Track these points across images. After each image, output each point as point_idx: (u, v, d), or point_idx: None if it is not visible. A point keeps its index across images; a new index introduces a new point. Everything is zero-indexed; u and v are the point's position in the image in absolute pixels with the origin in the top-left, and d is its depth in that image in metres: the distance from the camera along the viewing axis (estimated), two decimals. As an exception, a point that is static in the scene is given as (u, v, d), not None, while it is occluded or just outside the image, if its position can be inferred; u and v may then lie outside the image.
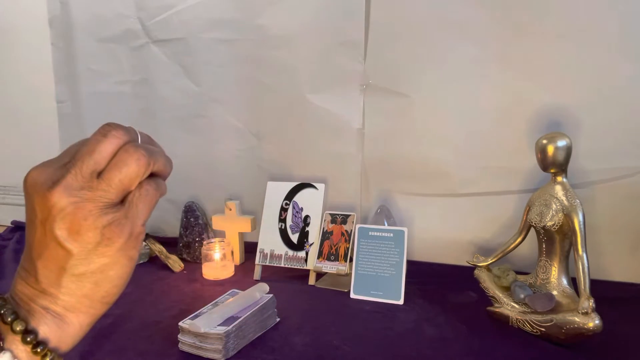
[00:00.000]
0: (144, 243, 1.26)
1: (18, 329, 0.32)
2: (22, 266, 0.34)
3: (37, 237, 0.32)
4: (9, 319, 0.32)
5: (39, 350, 0.32)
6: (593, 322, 0.71)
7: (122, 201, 0.34)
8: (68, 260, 0.32)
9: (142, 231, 0.35)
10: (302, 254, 1.11)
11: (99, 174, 0.33)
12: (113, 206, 0.33)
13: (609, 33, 0.93)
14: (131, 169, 0.33)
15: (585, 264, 0.76)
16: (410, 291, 0.97)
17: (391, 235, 1.01)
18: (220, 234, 1.26)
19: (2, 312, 0.32)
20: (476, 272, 0.93)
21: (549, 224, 0.81)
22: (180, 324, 0.79)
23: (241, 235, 1.24)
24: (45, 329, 0.33)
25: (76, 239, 0.32)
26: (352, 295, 1.00)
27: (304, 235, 1.12)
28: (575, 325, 0.72)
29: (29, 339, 0.32)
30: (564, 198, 0.81)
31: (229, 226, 1.23)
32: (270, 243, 1.14)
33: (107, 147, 0.33)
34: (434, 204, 1.14)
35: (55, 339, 0.34)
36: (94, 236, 0.32)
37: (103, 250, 0.32)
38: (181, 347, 0.79)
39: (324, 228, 1.11)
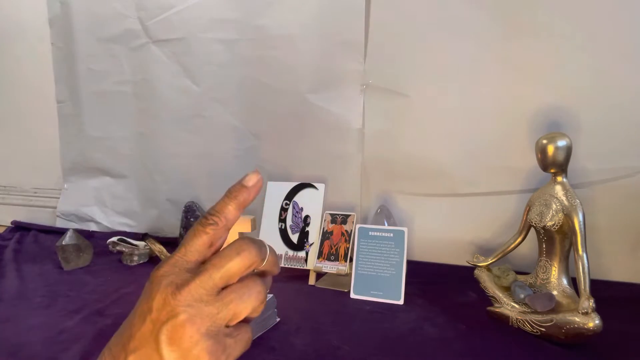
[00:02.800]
0: (143, 243, 1.26)
1: None
2: (110, 352, 0.34)
3: (142, 332, 0.32)
4: None
5: None
6: (593, 322, 0.71)
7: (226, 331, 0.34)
8: None
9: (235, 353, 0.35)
10: (302, 254, 1.11)
11: (220, 291, 0.33)
12: (217, 331, 0.32)
13: (609, 33, 0.93)
14: (250, 300, 0.34)
15: (585, 264, 0.76)
16: (410, 291, 0.97)
17: (391, 235, 1.01)
18: (220, 234, 1.26)
19: None
20: (476, 272, 0.93)
21: (549, 224, 0.81)
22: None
23: (241, 235, 1.24)
24: None
25: (174, 350, 0.31)
26: (352, 295, 1.00)
27: (304, 235, 1.12)
28: (575, 325, 0.72)
29: None
30: (564, 198, 0.81)
31: (229, 226, 1.23)
32: (270, 243, 1.13)
33: (237, 268, 0.33)
34: (434, 204, 1.14)
35: None
36: (190, 354, 0.31)
37: None
38: (181, 347, 0.78)
39: (324, 228, 1.11)
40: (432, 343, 0.80)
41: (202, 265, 0.33)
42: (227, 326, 0.34)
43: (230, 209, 0.36)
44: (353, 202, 1.21)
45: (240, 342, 0.34)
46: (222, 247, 0.34)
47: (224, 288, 0.33)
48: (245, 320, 0.36)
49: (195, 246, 0.34)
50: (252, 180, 0.37)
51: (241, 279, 0.34)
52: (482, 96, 1.05)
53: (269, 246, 0.36)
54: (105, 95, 1.46)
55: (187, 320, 0.31)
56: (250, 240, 0.35)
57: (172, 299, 0.31)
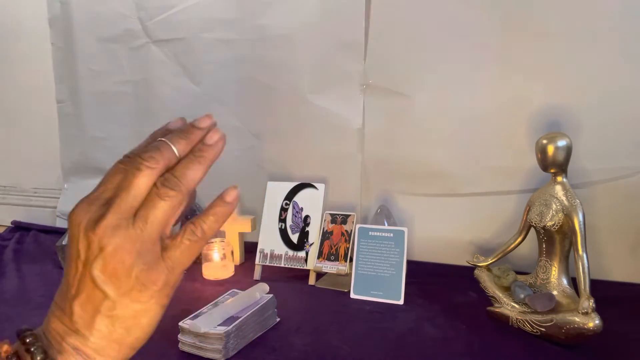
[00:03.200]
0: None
1: None
2: (56, 303, 0.34)
3: (77, 277, 0.32)
4: (39, 358, 0.31)
5: None
6: (593, 322, 0.71)
7: (163, 245, 0.33)
8: (103, 302, 0.32)
9: (178, 280, 0.34)
10: (302, 254, 1.11)
11: (137, 212, 0.32)
12: (150, 249, 0.32)
13: (609, 33, 0.93)
14: (166, 207, 0.32)
15: (585, 264, 0.76)
16: (410, 291, 0.97)
17: (391, 235, 1.01)
18: (220, 234, 1.26)
19: (32, 349, 0.32)
20: (476, 272, 0.93)
21: (549, 224, 0.81)
22: (180, 324, 0.79)
23: (241, 235, 1.24)
24: None
25: (112, 282, 0.31)
26: (352, 295, 1.00)
27: (304, 235, 1.12)
28: (575, 325, 0.72)
29: None
30: (564, 198, 0.81)
31: (229, 226, 1.23)
32: (270, 243, 1.14)
33: (143, 181, 0.32)
34: (434, 204, 1.14)
35: None
36: (129, 280, 0.31)
37: (136, 295, 0.32)
38: (181, 347, 0.79)
39: (324, 228, 1.11)
40: (432, 343, 0.80)
41: (112, 194, 0.32)
42: (164, 239, 0.33)
43: (209, 222, 0.35)
44: (353, 202, 1.21)
45: (180, 250, 0.33)
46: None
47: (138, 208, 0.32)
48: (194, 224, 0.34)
49: (108, 180, 0.33)
50: (231, 196, 0.36)
51: (149, 193, 0.32)
52: (482, 96, 1.05)
53: (172, 138, 0.34)
54: (105, 95, 1.46)
55: (115, 250, 0.31)
56: (144, 150, 0.33)
57: (92, 235, 0.31)
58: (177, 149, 0.34)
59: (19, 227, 1.56)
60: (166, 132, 0.36)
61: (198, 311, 0.82)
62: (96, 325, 0.32)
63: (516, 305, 0.84)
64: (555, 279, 0.83)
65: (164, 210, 0.32)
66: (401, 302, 0.95)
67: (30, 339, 0.32)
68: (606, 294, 0.81)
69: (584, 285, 0.74)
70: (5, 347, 0.33)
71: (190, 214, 1.28)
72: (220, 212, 0.35)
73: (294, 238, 1.13)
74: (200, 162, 0.35)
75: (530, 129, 1.01)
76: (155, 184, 0.33)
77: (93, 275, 0.31)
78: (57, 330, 0.33)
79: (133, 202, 0.32)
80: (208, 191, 1.54)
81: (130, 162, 0.33)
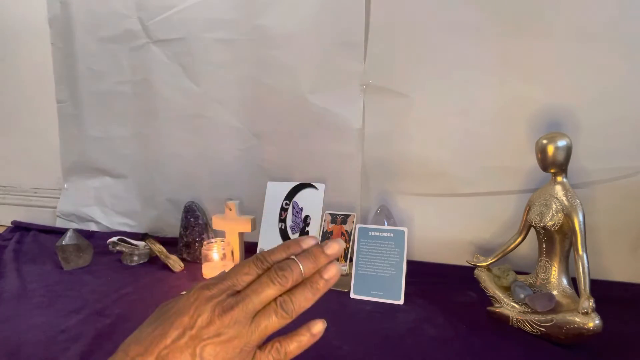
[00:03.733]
0: (143, 243, 1.26)
1: None
2: (127, 355, 0.35)
3: (178, 343, 0.35)
4: None
5: None
6: (593, 322, 0.71)
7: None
8: None
9: None
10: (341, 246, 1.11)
11: (255, 314, 0.37)
12: (249, 351, 0.37)
13: (609, 33, 0.93)
14: (276, 322, 0.38)
15: (585, 264, 0.76)
16: (410, 291, 0.97)
17: (391, 235, 1.01)
18: (221, 234, 1.26)
19: None
20: (476, 272, 0.93)
21: (549, 224, 0.81)
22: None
23: (241, 235, 1.24)
24: None
25: None
26: (352, 295, 1.00)
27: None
28: (575, 325, 0.73)
29: None
30: (564, 198, 0.81)
31: (229, 226, 1.23)
32: (270, 243, 1.14)
33: (270, 294, 0.38)
34: (434, 204, 1.14)
35: None
36: None
37: None
38: (181, 347, 0.78)
39: (324, 228, 1.11)
40: (432, 343, 0.80)
41: (242, 292, 0.38)
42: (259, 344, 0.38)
43: (293, 347, 0.42)
44: (353, 202, 1.21)
45: (270, 354, 0.39)
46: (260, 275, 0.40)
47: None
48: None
49: (247, 280, 0.39)
50: (317, 329, 0.44)
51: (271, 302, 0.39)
52: (482, 96, 1.05)
53: (301, 260, 0.40)
54: (105, 95, 1.46)
55: (227, 341, 0.35)
56: (279, 267, 0.39)
57: (217, 320, 0.35)
58: (304, 271, 0.40)
59: (19, 227, 1.56)
60: (298, 248, 0.42)
61: (198, 311, 0.82)
62: None
63: (516, 305, 0.84)
64: (555, 279, 0.83)
65: (274, 325, 0.38)
66: (401, 302, 0.95)
67: None
68: (606, 294, 0.81)
69: (584, 285, 0.74)
70: None
71: (190, 214, 1.28)
72: (304, 342, 0.43)
73: (294, 238, 1.13)
74: (314, 293, 0.42)
75: (530, 129, 1.01)
76: (275, 300, 0.39)
77: (197, 351, 0.34)
78: None
79: (257, 307, 0.37)
80: (208, 192, 1.55)
81: (266, 272, 0.39)
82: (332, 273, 0.42)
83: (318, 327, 0.43)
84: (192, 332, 0.35)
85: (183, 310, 0.36)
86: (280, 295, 0.39)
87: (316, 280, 0.41)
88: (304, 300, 0.40)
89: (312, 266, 0.41)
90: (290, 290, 0.40)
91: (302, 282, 0.40)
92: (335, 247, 0.42)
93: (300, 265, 0.40)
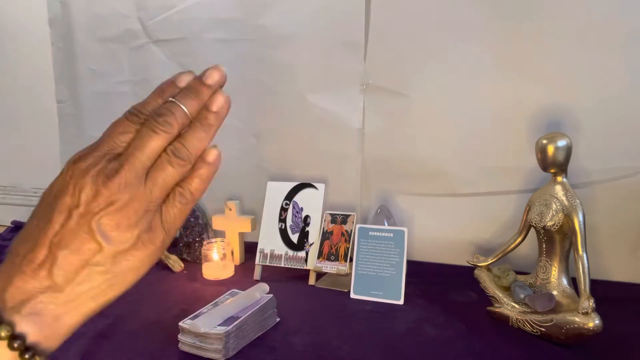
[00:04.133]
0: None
1: (3, 334, 0.29)
2: (25, 257, 0.31)
3: (69, 227, 0.31)
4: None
5: (27, 356, 0.30)
6: (593, 322, 0.71)
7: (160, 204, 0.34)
8: (95, 255, 0.31)
9: (170, 240, 0.35)
10: (302, 254, 1.11)
11: (147, 170, 0.33)
12: (154, 210, 0.33)
13: (609, 33, 0.93)
14: (174, 172, 0.33)
15: (585, 264, 0.76)
16: (410, 291, 0.97)
17: (391, 235, 1.01)
18: (220, 234, 1.26)
19: None
20: (476, 272, 0.93)
21: (549, 224, 0.81)
22: (180, 324, 0.79)
23: (241, 235, 1.24)
24: (36, 330, 0.31)
25: (114, 236, 0.31)
26: (352, 295, 1.00)
27: (304, 235, 1.12)
28: (575, 325, 0.72)
29: (16, 345, 0.30)
30: (564, 198, 0.81)
31: (229, 226, 1.23)
32: (270, 243, 1.14)
33: (158, 144, 0.33)
34: (434, 204, 1.14)
35: (44, 339, 0.31)
36: (131, 237, 0.31)
37: (134, 253, 0.32)
38: (181, 347, 0.79)
39: (324, 228, 1.11)
40: (432, 343, 0.80)
41: (124, 152, 0.32)
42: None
43: (195, 184, 0.35)
44: (353, 202, 1.21)
45: (176, 206, 0.34)
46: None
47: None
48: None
49: (126, 139, 0.33)
50: (211, 156, 0.36)
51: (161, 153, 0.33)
52: (482, 96, 1.05)
53: (181, 100, 0.35)
54: (105, 95, 1.46)
55: (124, 207, 0.31)
56: (157, 112, 0.34)
57: (103, 188, 0.30)
58: (188, 111, 0.35)
59: (19, 227, 1.56)
60: (174, 88, 0.37)
61: (198, 311, 0.83)
62: (78, 279, 0.31)
63: (516, 305, 0.84)
64: (555, 279, 0.83)
65: (173, 176, 0.33)
66: (401, 302, 0.95)
67: None
68: (606, 294, 0.81)
69: (584, 285, 0.74)
70: None
71: (190, 214, 1.28)
72: (204, 174, 0.36)
73: (294, 238, 1.13)
74: (207, 130, 0.35)
75: (530, 129, 1.01)
76: (166, 150, 0.33)
77: (92, 227, 0.30)
78: (22, 288, 0.30)
79: (146, 163, 0.32)
80: (208, 192, 1.53)
81: (145, 123, 0.33)
82: (220, 103, 0.37)
83: (212, 153, 0.36)
84: (79, 210, 0.30)
85: (62, 191, 0.31)
86: (170, 144, 0.34)
87: (205, 116, 0.35)
88: (198, 140, 0.34)
89: (195, 102, 0.35)
90: (179, 136, 0.34)
91: (191, 123, 0.35)
92: (214, 74, 0.38)
93: (181, 105, 0.35)
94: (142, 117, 0.34)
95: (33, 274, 0.31)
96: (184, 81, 0.38)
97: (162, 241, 0.33)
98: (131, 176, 0.31)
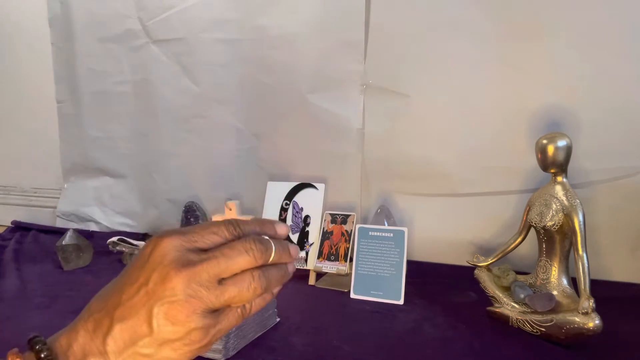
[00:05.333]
0: (143, 243, 1.26)
1: None
2: (92, 317, 0.33)
3: (133, 302, 0.32)
4: None
5: None
6: (593, 322, 0.71)
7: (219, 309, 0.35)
8: (144, 338, 0.32)
9: (215, 342, 0.37)
10: (302, 254, 1.11)
11: (221, 280, 0.34)
12: (211, 312, 0.34)
13: (609, 33, 0.93)
14: (247, 294, 0.35)
15: (585, 264, 0.76)
16: (410, 291, 0.97)
17: (391, 235, 1.01)
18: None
19: None
20: (476, 272, 0.93)
21: (549, 224, 0.81)
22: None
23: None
24: None
25: (167, 326, 0.32)
26: (352, 295, 1.00)
27: (304, 235, 1.12)
28: (575, 325, 0.72)
29: None
30: (564, 198, 0.81)
31: (229, 226, 1.23)
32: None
33: (243, 264, 0.34)
34: (434, 204, 1.14)
35: None
36: (182, 331, 0.32)
37: (178, 346, 0.33)
38: (181, 347, 0.78)
39: (324, 228, 1.11)
40: (432, 343, 0.80)
41: (209, 252, 0.34)
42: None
43: (256, 304, 0.38)
44: (353, 202, 1.21)
45: (232, 319, 0.36)
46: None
47: (224, 278, 0.34)
48: None
49: (214, 240, 0.35)
50: (294, 253, 0.39)
51: (243, 272, 0.35)
52: (482, 96, 1.05)
53: (275, 246, 0.37)
54: (105, 95, 1.46)
55: (185, 302, 0.32)
56: (259, 240, 0.36)
57: (174, 276, 0.31)
58: (273, 257, 0.37)
59: (19, 227, 1.56)
60: (272, 230, 0.39)
61: (198, 311, 0.82)
62: (125, 355, 0.32)
63: (516, 305, 0.84)
64: (555, 279, 0.83)
65: (244, 296, 0.35)
66: (401, 302, 0.95)
67: (45, 353, 0.32)
68: (606, 294, 0.80)
69: (584, 285, 0.74)
70: None
71: (190, 213, 1.28)
72: (267, 298, 0.38)
73: (294, 238, 1.13)
74: (284, 277, 0.39)
75: (530, 129, 1.01)
76: (252, 272, 0.35)
77: (153, 311, 0.31)
78: (82, 345, 0.33)
79: (224, 272, 0.34)
80: (208, 192, 1.55)
81: (242, 239, 0.35)
82: (293, 269, 0.40)
83: (269, 296, 0.39)
84: (147, 289, 0.32)
85: (139, 264, 0.33)
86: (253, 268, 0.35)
87: (286, 264, 0.38)
88: (276, 280, 0.37)
89: (280, 255, 0.38)
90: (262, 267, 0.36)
91: (273, 264, 0.37)
92: (295, 252, 0.40)
93: (273, 251, 0.37)
94: (237, 232, 0.36)
95: (93, 336, 0.33)
96: (281, 232, 0.40)
97: (209, 342, 0.34)
98: (204, 276, 0.32)
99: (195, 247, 0.34)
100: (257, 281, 0.35)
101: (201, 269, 0.32)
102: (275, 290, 0.38)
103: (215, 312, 0.34)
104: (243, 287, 0.34)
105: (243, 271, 0.35)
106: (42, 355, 0.32)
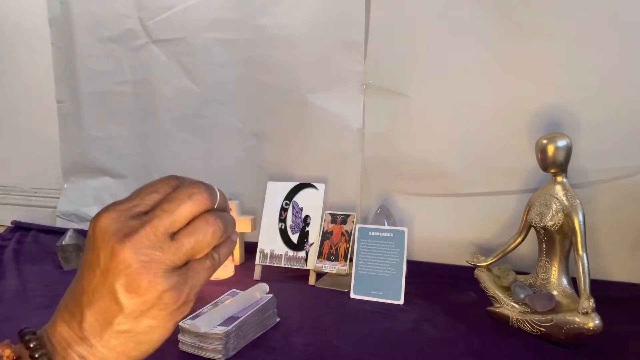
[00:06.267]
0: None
1: None
2: (66, 306, 0.33)
3: (94, 285, 0.31)
4: None
5: None
6: (593, 322, 0.71)
7: (184, 264, 0.33)
8: (117, 316, 0.31)
9: (193, 299, 0.34)
10: (302, 254, 1.11)
11: (172, 235, 0.32)
12: (175, 270, 0.32)
13: (608, 33, 0.93)
14: (206, 240, 0.33)
15: (585, 264, 0.76)
16: (410, 291, 0.97)
17: (391, 235, 1.01)
18: (220, 234, 1.26)
19: (37, 355, 0.31)
20: (476, 272, 0.93)
21: (549, 224, 0.81)
22: (180, 324, 0.79)
23: (241, 235, 1.24)
24: None
25: (133, 298, 0.31)
26: (352, 295, 1.00)
27: (304, 235, 1.12)
28: (575, 325, 0.72)
29: None
30: (564, 198, 0.81)
31: (229, 226, 1.23)
32: (270, 243, 1.14)
33: (189, 211, 0.32)
34: (433, 204, 1.14)
35: None
36: (152, 298, 0.31)
37: (155, 313, 0.32)
38: (181, 347, 0.79)
39: (324, 228, 1.11)
40: (432, 343, 0.80)
41: (149, 212, 0.32)
42: (185, 263, 0.33)
43: (223, 252, 0.36)
44: (353, 202, 1.21)
45: (202, 271, 0.34)
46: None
47: (176, 232, 0.32)
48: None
49: (144, 193, 0.33)
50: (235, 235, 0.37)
51: (194, 220, 0.33)
52: (482, 96, 1.05)
53: (218, 189, 0.35)
54: (105, 95, 1.46)
55: (142, 268, 0.30)
56: (201, 184, 0.34)
57: (120, 249, 0.30)
58: (219, 201, 0.35)
59: (19, 227, 1.56)
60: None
61: (198, 311, 0.82)
62: (105, 337, 0.32)
63: (516, 305, 0.84)
64: (555, 279, 0.83)
65: (205, 243, 0.33)
66: (401, 302, 0.95)
67: (35, 343, 0.32)
68: (606, 294, 0.81)
69: (584, 285, 0.74)
70: (8, 352, 0.32)
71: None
72: (234, 242, 0.37)
73: (294, 238, 1.13)
74: (234, 227, 0.36)
75: (530, 129, 1.01)
76: (204, 216, 0.33)
77: (114, 288, 0.30)
78: (63, 335, 0.32)
79: (171, 227, 0.32)
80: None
81: (182, 186, 0.33)
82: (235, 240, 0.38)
83: (235, 234, 0.37)
84: (101, 269, 0.31)
85: (87, 247, 0.32)
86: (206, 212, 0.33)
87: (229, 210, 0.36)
88: (231, 223, 0.35)
89: (223, 199, 0.36)
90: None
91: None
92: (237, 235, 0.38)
93: (216, 189, 0.35)
94: (177, 183, 0.34)
95: (70, 325, 0.32)
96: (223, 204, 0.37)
97: (186, 301, 0.33)
98: (152, 237, 0.31)
99: (137, 212, 0.32)
100: (213, 223, 0.33)
101: (146, 231, 0.31)
102: (235, 236, 0.36)
103: (181, 268, 0.32)
104: (199, 235, 0.32)
105: (195, 219, 0.33)
106: (31, 345, 0.31)
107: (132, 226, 0.31)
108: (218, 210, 0.35)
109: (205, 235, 0.33)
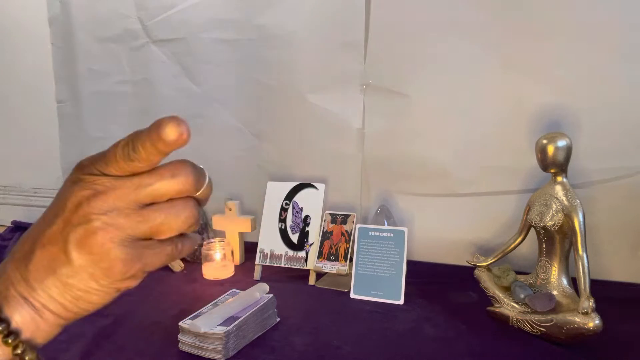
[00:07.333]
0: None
1: None
2: (22, 246, 0.32)
3: (53, 230, 0.31)
4: None
5: (9, 340, 0.30)
6: (593, 322, 0.71)
7: (145, 239, 0.32)
8: (62, 267, 0.30)
9: (141, 277, 0.33)
10: (302, 254, 1.11)
11: (144, 206, 0.31)
12: (134, 242, 0.31)
13: (609, 33, 0.93)
14: (176, 223, 0.32)
15: (585, 264, 0.76)
16: (410, 291, 0.97)
17: (391, 235, 1.01)
18: (220, 234, 1.26)
19: None
20: (476, 272, 0.93)
21: (549, 224, 0.81)
22: (180, 324, 0.79)
23: (241, 235, 1.24)
24: (19, 319, 0.31)
25: (82, 255, 0.30)
26: (352, 295, 1.00)
27: (304, 235, 1.12)
28: (575, 325, 0.72)
29: (10, 341, 0.30)
30: (564, 198, 0.81)
31: (229, 226, 1.23)
32: (270, 243, 1.14)
33: (166, 189, 0.31)
34: (434, 204, 1.14)
35: (29, 331, 0.32)
36: (99, 261, 0.30)
37: (99, 276, 0.31)
38: (181, 347, 0.79)
39: (324, 228, 1.11)
40: (432, 343, 0.80)
41: (131, 177, 0.31)
42: (148, 239, 0.32)
43: (188, 243, 0.35)
44: (353, 202, 1.21)
45: (160, 254, 0.33)
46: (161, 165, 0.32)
47: (150, 204, 0.31)
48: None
49: (127, 144, 0.31)
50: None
51: (172, 200, 0.32)
52: (482, 96, 1.05)
53: (208, 177, 0.34)
54: (105, 95, 1.46)
55: (100, 229, 0.29)
56: (191, 165, 0.32)
57: (86, 203, 0.30)
58: (205, 187, 0.33)
59: (19, 227, 1.56)
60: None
61: (198, 311, 0.83)
62: (47, 283, 0.31)
63: (516, 305, 0.84)
64: (555, 279, 0.83)
65: (173, 225, 0.32)
66: (401, 302, 0.95)
67: None
68: (606, 294, 0.80)
69: (584, 285, 0.74)
70: None
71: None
72: (196, 240, 0.36)
73: (294, 238, 1.13)
74: (198, 222, 0.35)
75: (530, 129, 1.01)
76: (184, 199, 0.32)
77: (68, 238, 0.30)
78: (9, 274, 0.31)
79: (144, 200, 0.31)
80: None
81: (174, 163, 0.32)
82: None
83: (197, 236, 0.36)
84: (63, 216, 0.30)
85: (60, 193, 0.32)
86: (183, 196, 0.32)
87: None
88: (201, 217, 0.34)
89: (208, 188, 0.34)
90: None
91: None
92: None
93: (207, 176, 0.33)
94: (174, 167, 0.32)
95: (19, 264, 0.31)
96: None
97: (133, 276, 0.32)
98: (119, 203, 0.30)
99: (114, 167, 0.31)
100: (190, 209, 0.32)
101: (117, 195, 0.30)
102: (197, 238, 0.35)
103: (139, 242, 0.31)
104: (171, 214, 0.31)
105: (174, 199, 0.32)
106: None
107: (105, 185, 0.30)
108: (198, 199, 0.33)
109: (177, 218, 0.31)
